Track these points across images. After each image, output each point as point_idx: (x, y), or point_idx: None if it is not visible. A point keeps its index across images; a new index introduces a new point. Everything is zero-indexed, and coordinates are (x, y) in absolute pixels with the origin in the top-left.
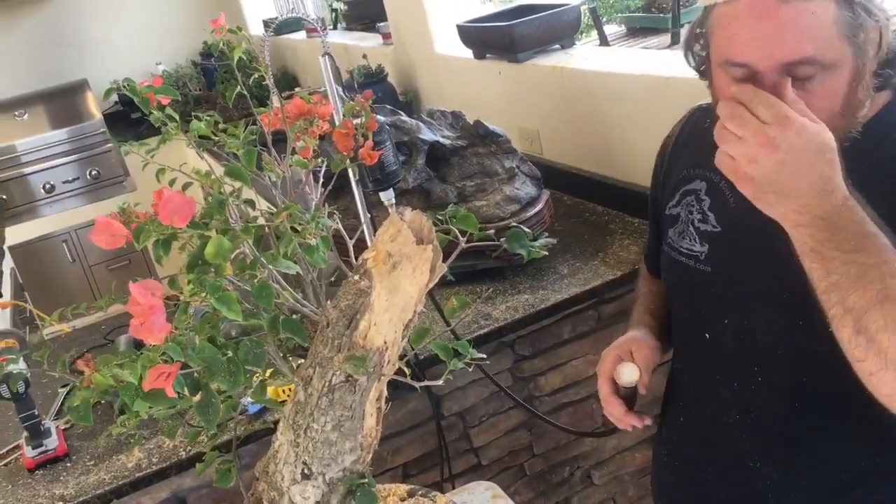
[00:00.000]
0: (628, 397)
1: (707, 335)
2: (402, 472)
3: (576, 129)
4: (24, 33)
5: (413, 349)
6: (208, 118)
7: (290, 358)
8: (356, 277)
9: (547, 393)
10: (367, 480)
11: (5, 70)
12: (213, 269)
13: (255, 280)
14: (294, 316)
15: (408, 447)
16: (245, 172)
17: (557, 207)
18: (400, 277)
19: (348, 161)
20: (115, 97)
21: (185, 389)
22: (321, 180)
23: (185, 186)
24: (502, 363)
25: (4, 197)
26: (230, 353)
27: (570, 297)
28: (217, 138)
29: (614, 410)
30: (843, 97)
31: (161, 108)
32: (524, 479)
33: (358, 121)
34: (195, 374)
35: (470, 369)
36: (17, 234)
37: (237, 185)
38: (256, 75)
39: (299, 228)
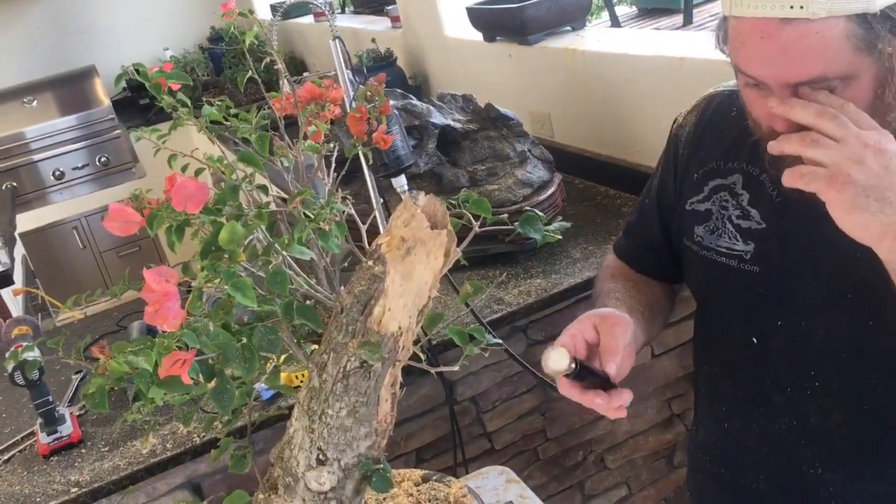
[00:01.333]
0: (596, 379)
1: (755, 339)
2: (415, 457)
3: (587, 111)
4: (32, 20)
5: (426, 334)
6: (220, 103)
7: (304, 344)
8: (370, 263)
9: None
10: (382, 466)
11: (13, 57)
12: (226, 256)
13: (269, 266)
14: (308, 302)
15: (421, 432)
16: (258, 158)
17: (569, 191)
18: (414, 262)
19: (361, 146)
20: (123, 83)
21: (200, 376)
22: (333, 165)
23: (198, 172)
24: (515, 348)
25: (15, 184)
26: (245, 340)
27: (583, 280)
28: (229, 123)
29: (567, 391)
30: (869, 104)
31: (172, 93)
32: (537, 464)
33: (371, 105)
34: (210, 361)
35: (486, 354)
36: (28, 221)
37: (249, 170)
38: (267, 59)
39: (312, 214)
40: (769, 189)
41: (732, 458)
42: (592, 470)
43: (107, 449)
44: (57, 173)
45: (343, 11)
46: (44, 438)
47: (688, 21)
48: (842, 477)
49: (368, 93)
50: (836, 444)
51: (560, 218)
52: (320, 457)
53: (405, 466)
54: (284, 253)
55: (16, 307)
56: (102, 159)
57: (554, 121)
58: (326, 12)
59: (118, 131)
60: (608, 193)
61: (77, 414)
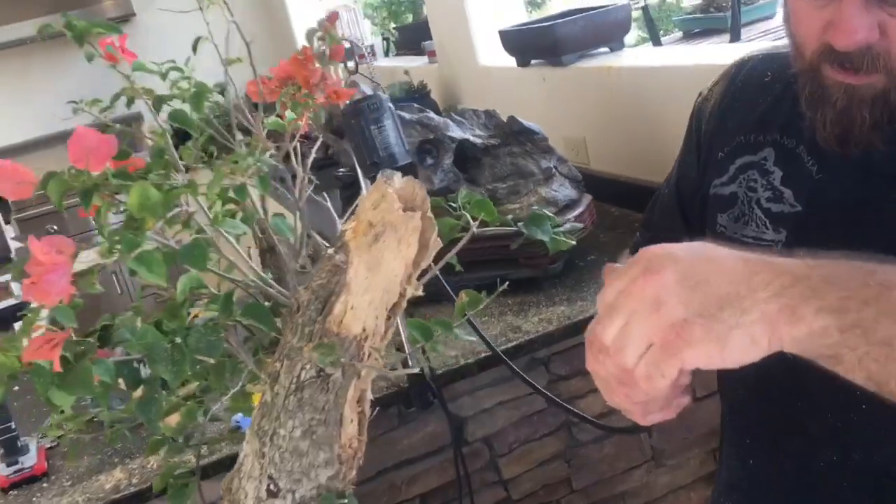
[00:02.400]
0: None
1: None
2: None
3: (625, 132)
4: (84, 68)
5: (424, 353)
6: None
7: (268, 358)
8: (331, 251)
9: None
10: (346, 500)
11: (63, 104)
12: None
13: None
14: (267, 304)
15: (425, 476)
16: (189, 117)
17: (603, 219)
18: (382, 251)
19: (311, 100)
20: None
21: (124, 382)
22: (312, 155)
23: (104, 129)
24: (535, 383)
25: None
26: (178, 340)
27: None
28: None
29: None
30: None
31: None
32: None
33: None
34: (135, 364)
35: (456, 339)
36: None
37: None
38: None
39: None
40: (807, 163)
41: (760, 501)
42: None
43: (69, 483)
44: None
45: (386, 55)
46: (3, 470)
47: (735, 39)
48: None
49: (318, 33)
50: (886, 484)
51: (582, 228)
52: (271, 487)
53: None
54: (222, 230)
55: None
56: None
57: (589, 145)
58: (364, 54)
59: None
60: None
61: (47, 446)
